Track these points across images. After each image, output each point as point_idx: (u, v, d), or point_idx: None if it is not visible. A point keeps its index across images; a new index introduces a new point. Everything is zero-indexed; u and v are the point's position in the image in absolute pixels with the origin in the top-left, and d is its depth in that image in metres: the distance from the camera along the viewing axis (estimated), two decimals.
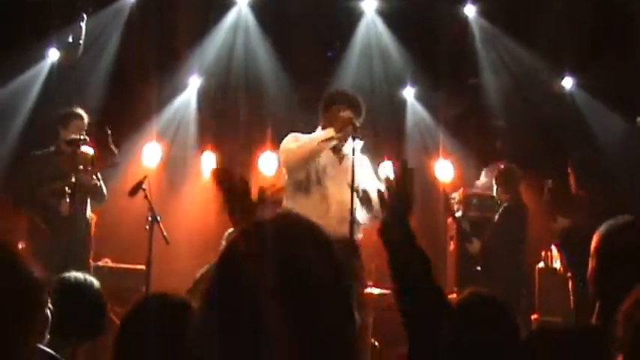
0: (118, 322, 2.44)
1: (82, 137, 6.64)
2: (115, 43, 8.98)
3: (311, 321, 1.36)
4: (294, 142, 5.55)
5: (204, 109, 9.54)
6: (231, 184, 2.68)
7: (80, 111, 6.99)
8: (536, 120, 9.30)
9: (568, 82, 9.54)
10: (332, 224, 5.00)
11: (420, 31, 9.12)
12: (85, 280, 3.47)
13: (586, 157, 7.65)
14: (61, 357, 2.81)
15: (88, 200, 7.00)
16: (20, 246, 6.78)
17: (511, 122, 9.55)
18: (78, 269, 3.66)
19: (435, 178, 9.70)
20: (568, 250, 7.05)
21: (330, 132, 5.45)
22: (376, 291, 6.73)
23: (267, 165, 9.33)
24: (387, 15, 9.44)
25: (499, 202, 7.60)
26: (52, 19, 8.35)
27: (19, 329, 1.57)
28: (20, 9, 8.19)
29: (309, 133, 5.66)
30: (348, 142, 5.51)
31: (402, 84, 9.86)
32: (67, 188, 6.52)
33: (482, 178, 9.06)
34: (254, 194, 2.66)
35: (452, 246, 8.49)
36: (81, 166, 6.60)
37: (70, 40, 8.48)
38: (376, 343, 6.72)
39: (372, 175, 5.66)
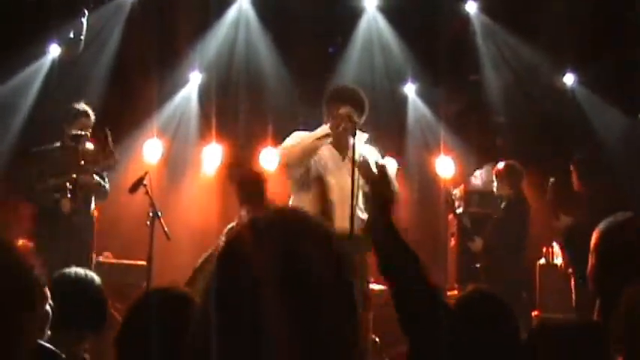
0: (119, 317, 2.45)
1: (84, 133, 6.64)
2: (116, 38, 8.97)
3: (312, 316, 1.36)
4: (292, 140, 5.57)
5: (205, 105, 9.53)
6: (243, 175, 2.69)
7: (86, 108, 6.98)
8: (537, 116, 9.30)
9: (569, 79, 9.53)
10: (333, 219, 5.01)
11: (421, 27, 9.12)
12: (86, 275, 3.47)
13: (588, 155, 7.65)
14: (62, 353, 2.81)
15: (92, 199, 7.01)
16: (21, 242, 6.79)
17: (512, 119, 9.55)
18: (80, 267, 3.66)
19: (436, 174, 9.70)
20: (570, 247, 7.05)
21: (324, 129, 5.48)
22: (377, 287, 6.73)
23: (269, 160, 9.32)
24: (388, 11, 9.44)
25: (500, 198, 7.60)
26: (53, 15, 8.35)
27: (17, 327, 1.56)
28: (21, 4, 8.19)
29: (311, 129, 5.67)
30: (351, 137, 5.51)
31: (403, 80, 9.86)
32: (67, 184, 6.51)
33: (478, 176, 9.03)
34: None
35: (452, 242, 8.50)
36: (82, 162, 6.60)
37: (71, 35, 8.48)
38: (377, 339, 6.72)
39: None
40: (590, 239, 2.70)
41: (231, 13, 9.43)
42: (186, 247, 7.97)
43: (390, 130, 9.08)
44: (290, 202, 5.46)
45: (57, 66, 8.71)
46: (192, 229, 8.46)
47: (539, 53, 9.16)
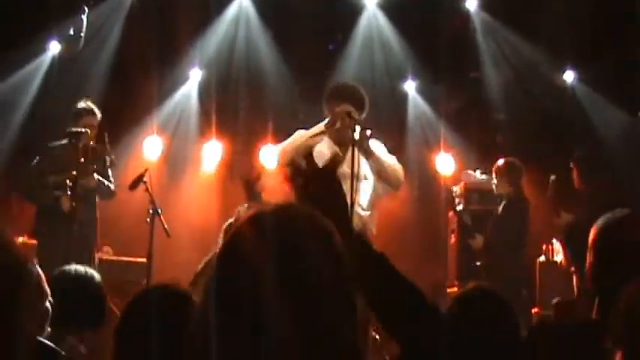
0: (118, 314, 2.45)
1: (83, 130, 6.63)
2: (116, 35, 8.97)
3: (312, 313, 1.36)
4: (290, 140, 5.60)
5: (206, 102, 9.53)
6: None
7: (91, 106, 6.97)
8: (537, 114, 9.30)
9: (569, 76, 9.52)
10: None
11: (421, 24, 9.11)
12: (86, 273, 3.48)
13: (588, 153, 7.64)
14: (62, 349, 2.81)
15: (96, 200, 7.01)
16: (21, 240, 6.79)
17: (512, 116, 9.54)
18: (81, 264, 3.66)
19: (436, 171, 9.70)
20: (571, 245, 7.05)
21: (319, 127, 5.49)
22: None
23: (269, 157, 9.32)
24: (389, 8, 9.43)
25: (499, 195, 7.60)
26: (53, 12, 8.33)
27: (13, 322, 1.56)
28: (21, 1, 8.18)
29: (311, 127, 5.68)
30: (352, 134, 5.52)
31: (403, 77, 9.85)
32: (67, 182, 6.50)
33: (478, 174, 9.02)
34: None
35: (453, 240, 8.50)
36: (82, 160, 6.59)
37: (71, 32, 8.47)
38: (377, 337, 6.72)
39: (387, 154, 5.67)
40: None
41: (232, 10, 9.43)
42: (186, 244, 7.98)
43: (390, 128, 9.07)
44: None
45: (57, 63, 8.70)
46: (192, 227, 8.46)
47: (540, 51, 9.16)
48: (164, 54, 8.84)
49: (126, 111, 8.86)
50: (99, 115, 6.96)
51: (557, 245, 7.96)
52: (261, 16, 9.39)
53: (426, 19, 8.97)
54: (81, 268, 3.49)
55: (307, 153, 5.52)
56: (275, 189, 5.49)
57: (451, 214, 8.62)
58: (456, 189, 8.58)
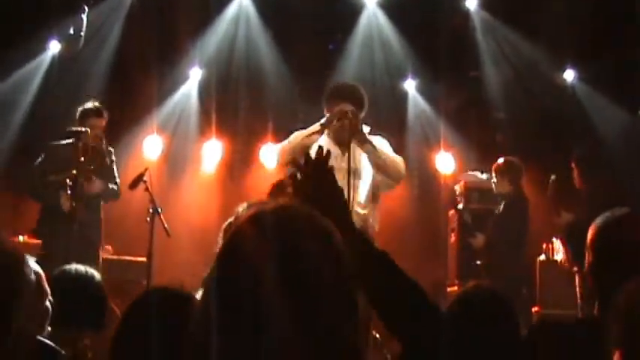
0: (119, 313, 2.44)
1: (84, 129, 6.63)
2: (116, 35, 8.97)
3: (312, 313, 1.36)
4: (287, 139, 5.61)
5: (205, 101, 9.53)
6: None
7: (99, 107, 6.98)
8: (537, 112, 9.30)
9: (569, 75, 9.52)
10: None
11: (421, 23, 9.11)
12: (86, 272, 3.47)
13: (589, 152, 7.64)
14: (62, 349, 2.81)
15: (101, 202, 7.01)
16: (21, 239, 6.79)
17: (512, 115, 9.54)
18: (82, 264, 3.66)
19: (436, 170, 9.71)
20: (572, 244, 7.05)
21: (316, 126, 5.49)
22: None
23: (269, 157, 9.32)
24: (388, 7, 9.44)
25: (499, 194, 7.60)
26: (53, 11, 8.34)
27: (5, 316, 1.56)
28: (21, 0, 8.18)
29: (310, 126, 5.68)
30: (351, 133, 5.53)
31: (403, 76, 9.86)
32: (67, 181, 6.50)
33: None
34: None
35: (453, 238, 8.50)
36: (82, 159, 6.59)
37: (71, 32, 8.47)
38: (377, 336, 6.72)
39: (389, 149, 5.66)
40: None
41: (232, 10, 9.43)
42: (186, 243, 7.98)
43: (390, 127, 9.06)
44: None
45: (57, 62, 8.70)
46: (192, 226, 8.46)
47: (539, 49, 9.16)
48: (164, 53, 8.85)
49: (126, 110, 8.86)
50: (106, 116, 6.97)
51: (557, 244, 7.96)
52: (261, 15, 9.39)
53: (425, 18, 8.98)
54: (81, 268, 3.48)
55: (304, 152, 5.53)
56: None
57: (451, 212, 8.62)
58: (457, 188, 8.59)
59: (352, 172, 5.40)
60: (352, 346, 1.41)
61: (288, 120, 8.53)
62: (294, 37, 9.16)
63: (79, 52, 8.55)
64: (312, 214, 1.49)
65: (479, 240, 7.63)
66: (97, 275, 3.50)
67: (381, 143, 5.63)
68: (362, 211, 5.50)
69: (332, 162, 5.69)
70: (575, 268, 6.98)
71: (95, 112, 6.91)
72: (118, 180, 7.09)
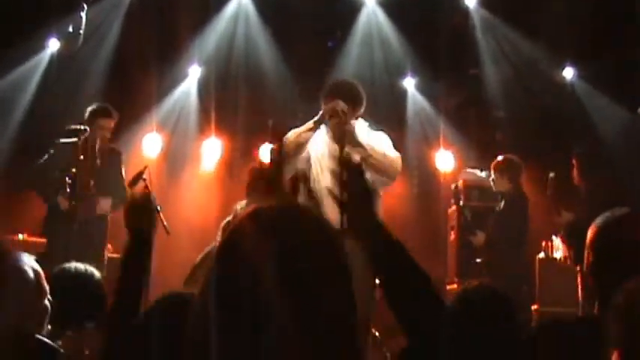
0: None
1: (83, 127, 6.63)
2: (116, 33, 8.97)
3: (311, 311, 1.36)
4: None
5: (205, 99, 9.53)
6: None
7: (108, 107, 6.97)
8: (537, 111, 9.30)
9: (569, 73, 9.52)
10: (326, 214, 5.03)
11: (420, 21, 9.11)
12: (86, 270, 3.47)
13: (589, 150, 7.63)
14: (61, 347, 2.81)
15: (109, 202, 7.00)
16: (22, 237, 6.79)
17: (511, 113, 9.54)
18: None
19: (436, 168, 9.71)
20: (574, 243, 7.04)
21: (309, 123, 5.49)
22: (377, 281, 6.73)
23: (268, 155, 9.32)
24: (388, 5, 9.43)
25: (498, 192, 7.60)
26: (52, 9, 8.34)
27: None
28: None
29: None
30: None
31: (402, 74, 9.86)
32: (67, 179, 6.49)
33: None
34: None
35: (452, 236, 8.50)
36: (82, 157, 6.59)
37: (70, 30, 8.47)
38: (377, 334, 6.72)
39: (385, 145, 5.64)
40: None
41: (231, 8, 9.43)
42: (185, 241, 7.97)
43: (390, 125, 9.03)
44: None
45: (56, 60, 8.70)
46: (191, 224, 8.46)
47: (539, 48, 9.16)
48: (163, 51, 8.85)
49: (125, 108, 8.83)
50: (115, 117, 6.98)
51: (556, 242, 7.96)
52: (260, 13, 9.40)
53: (425, 16, 8.98)
54: (81, 266, 3.48)
55: (299, 149, 5.53)
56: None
57: (450, 210, 8.62)
58: (456, 185, 8.60)
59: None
60: (351, 345, 1.41)
61: (288, 118, 8.52)
62: (293, 35, 9.16)
63: (78, 50, 8.55)
64: (311, 213, 1.48)
65: (479, 238, 7.63)
66: (97, 273, 3.50)
67: (380, 139, 5.61)
68: None
69: (325, 161, 5.69)
70: (578, 268, 6.98)
71: (103, 113, 6.92)
72: (125, 183, 7.08)
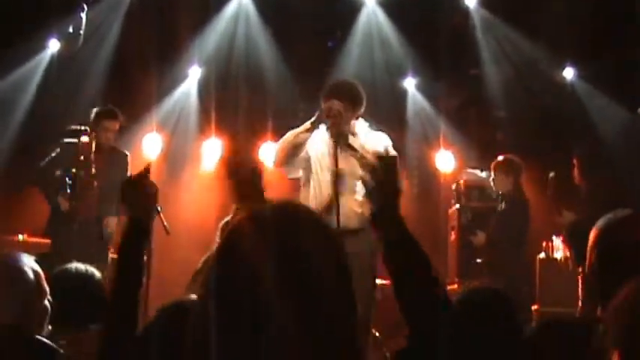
0: None
1: (82, 127, 6.64)
2: (116, 33, 8.96)
3: (311, 312, 1.36)
4: (281, 140, 5.64)
5: (205, 99, 9.53)
6: (242, 173, 2.67)
7: (113, 109, 6.97)
8: (537, 111, 9.30)
9: (569, 73, 9.52)
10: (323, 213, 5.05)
11: (421, 21, 9.11)
12: (87, 271, 3.47)
13: (589, 150, 7.63)
14: (61, 348, 2.81)
15: (115, 220, 6.99)
16: (21, 238, 6.79)
17: (512, 113, 9.54)
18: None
19: (436, 168, 9.71)
20: (575, 244, 7.03)
21: (307, 124, 5.49)
22: (377, 282, 6.73)
23: (268, 155, 9.31)
24: (388, 5, 9.43)
25: (498, 192, 7.59)
26: (52, 10, 8.33)
27: None
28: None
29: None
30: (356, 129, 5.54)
31: (402, 74, 9.85)
32: (67, 179, 6.50)
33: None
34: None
35: (453, 236, 8.50)
36: (82, 157, 6.59)
37: (71, 30, 8.47)
38: (377, 334, 6.72)
39: (383, 146, 5.63)
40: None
41: (231, 8, 9.43)
42: (185, 241, 7.97)
43: (390, 125, 9.03)
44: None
45: (56, 61, 8.70)
46: (191, 224, 8.46)
47: (539, 48, 9.15)
48: (163, 51, 8.84)
49: (125, 109, 8.81)
50: (121, 119, 6.99)
51: (556, 242, 7.96)
52: (260, 13, 9.39)
53: (425, 16, 8.97)
54: (82, 267, 3.48)
55: (296, 150, 5.54)
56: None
57: (451, 211, 8.62)
58: (456, 186, 8.60)
59: (349, 172, 5.40)
60: (351, 345, 1.41)
61: (288, 118, 8.51)
62: (293, 35, 9.16)
63: (79, 50, 8.55)
64: (311, 213, 1.48)
65: (480, 237, 7.63)
66: (98, 274, 3.50)
67: (379, 139, 5.61)
68: (359, 210, 5.49)
69: (325, 160, 5.68)
70: (580, 269, 6.97)
71: (108, 114, 6.94)
72: None
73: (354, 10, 9.50)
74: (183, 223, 8.21)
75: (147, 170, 2.50)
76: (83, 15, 8.39)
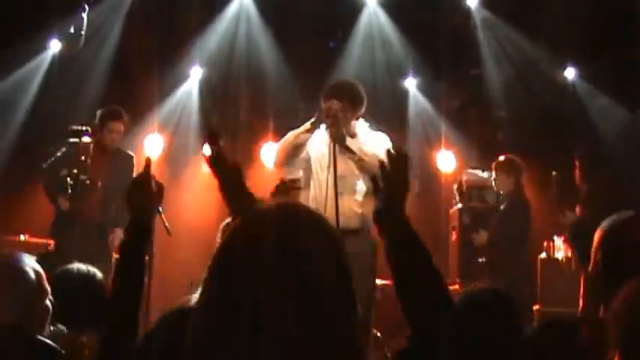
0: None
1: (83, 128, 6.64)
2: (117, 33, 8.97)
3: (312, 312, 1.36)
4: (280, 140, 5.65)
5: (206, 100, 9.53)
6: (226, 172, 2.66)
7: (118, 110, 6.98)
8: (538, 111, 9.30)
9: (570, 73, 9.52)
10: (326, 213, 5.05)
11: (421, 21, 9.11)
12: (88, 271, 3.47)
13: (589, 150, 7.63)
14: (62, 348, 2.81)
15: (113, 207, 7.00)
16: (22, 238, 6.80)
17: (513, 113, 9.54)
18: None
19: (437, 168, 9.71)
20: (578, 244, 7.03)
21: (306, 125, 5.50)
22: (378, 282, 6.74)
23: (269, 156, 9.32)
24: (389, 5, 9.43)
25: (499, 193, 7.59)
26: (53, 10, 8.34)
27: None
28: (21, 0, 8.18)
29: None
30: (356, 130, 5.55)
31: (404, 74, 9.85)
32: (68, 179, 6.50)
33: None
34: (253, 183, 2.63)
35: (454, 237, 8.50)
36: (83, 157, 6.59)
37: (72, 30, 8.47)
38: (378, 334, 6.73)
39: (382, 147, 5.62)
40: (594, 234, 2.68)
41: (232, 8, 9.43)
42: (186, 242, 7.98)
43: (391, 125, 9.04)
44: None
45: (57, 61, 8.70)
46: (192, 225, 8.46)
47: (540, 48, 9.15)
48: (165, 52, 8.85)
49: (127, 109, 8.80)
50: (126, 119, 6.99)
51: (558, 242, 7.96)
52: (261, 13, 9.40)
53: (426, 16, 8.98)
54: (83, 267, 3.48)
55: (296, 150, 5.54)
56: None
57: (452, 211, 8.62)
58: (457, 186, 8.60)
59: (349, 172, 5.41)
60: (351, 345, 1.41)
61: (289, 118, 8.52)
62: (294, 36, 9.16)
63: (80, 51, 8.55)
64: (311, 213, 1.48)
65: (482, 236, 7.62)
66: (99, 274, 3.50)
67: (379, 140, 5.61)
68: (359, 210, 5.50)
69: (325, 161, 5.68)
70: (583, 269, 6.96)
71: (113, 115, 6.93)
72: None
73: (355, 10, 9.50)
74: (185, 223, 8.21)
75: (147, 167, 2.51)
76: (84, 15, 8.39)
